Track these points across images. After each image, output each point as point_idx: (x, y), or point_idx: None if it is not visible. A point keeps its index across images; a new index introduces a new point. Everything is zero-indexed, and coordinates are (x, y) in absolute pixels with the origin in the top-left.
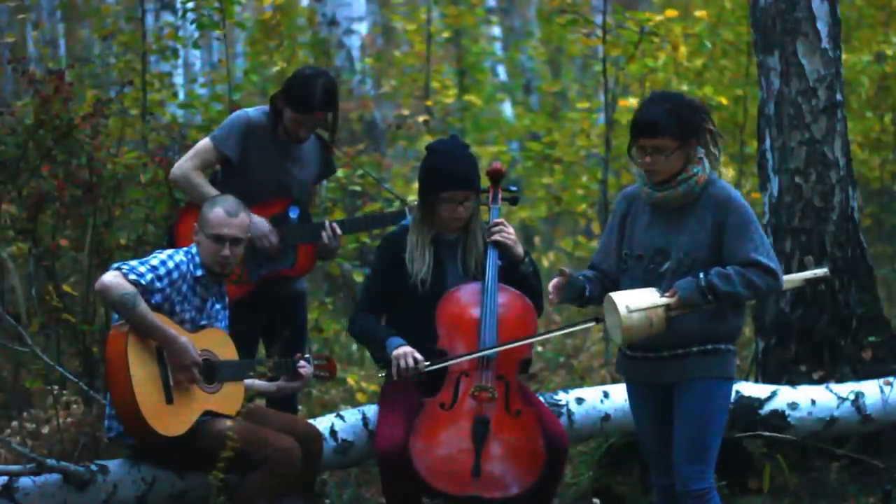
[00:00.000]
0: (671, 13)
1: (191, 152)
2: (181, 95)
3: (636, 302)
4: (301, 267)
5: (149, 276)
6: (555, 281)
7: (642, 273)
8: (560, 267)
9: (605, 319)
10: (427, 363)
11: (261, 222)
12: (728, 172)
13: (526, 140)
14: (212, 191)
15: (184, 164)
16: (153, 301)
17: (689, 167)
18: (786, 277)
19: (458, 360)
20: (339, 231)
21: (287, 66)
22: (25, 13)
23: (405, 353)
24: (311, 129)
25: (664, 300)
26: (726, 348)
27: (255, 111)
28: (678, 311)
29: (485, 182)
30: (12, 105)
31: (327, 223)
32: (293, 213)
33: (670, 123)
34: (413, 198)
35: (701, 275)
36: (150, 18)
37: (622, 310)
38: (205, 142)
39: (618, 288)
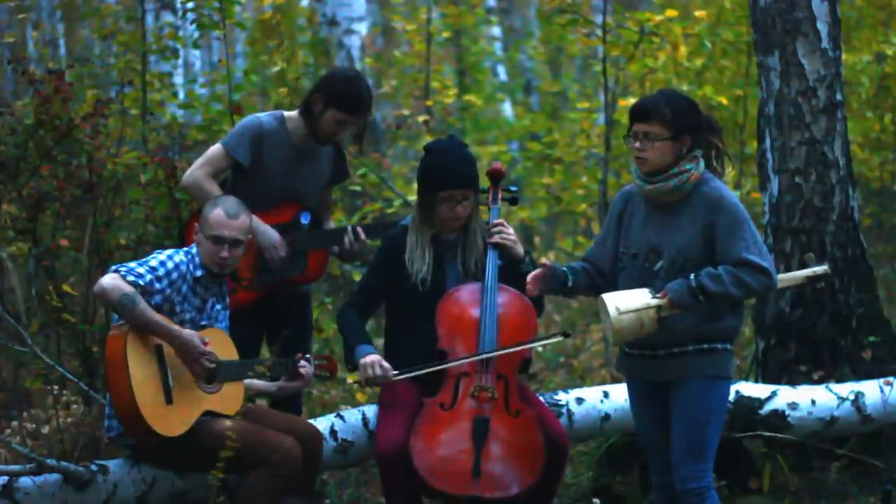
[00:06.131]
0: (671, 13)
1: (202, 159)
2: (181, 95)
3: (626, 303)
4: (311, 274)
5: (148, 277)
6: (535, 272)
7: (637, 271)
8: (542, 260)
9: (602, 319)
10: (395, 372)
11: (272, 233)
12: (728, 172)
13: (526, 140)
14: None
15: (195, 172)
16: (153, 302)
17: (681, 163)
18: (786, 275)
19: (425, 370)
20: (361, 235)
21: (287, 66)
22: (25, 13)
23: (373, 361)
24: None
25: (655, 301)
26: (723, 347)
27: (266, 116)
28: (669, 312)
29: (485, 182)
30: (12, 105)
31: (349, 228)
32: (304, 220)
33: (664, 111)
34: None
35: (692, 276)
36: (150, 18)
37: (612, 311)
38: (216, 148)
39: (609, 282)
